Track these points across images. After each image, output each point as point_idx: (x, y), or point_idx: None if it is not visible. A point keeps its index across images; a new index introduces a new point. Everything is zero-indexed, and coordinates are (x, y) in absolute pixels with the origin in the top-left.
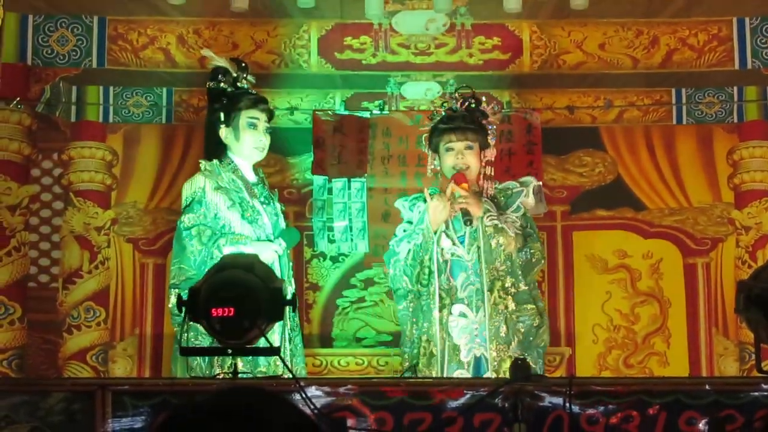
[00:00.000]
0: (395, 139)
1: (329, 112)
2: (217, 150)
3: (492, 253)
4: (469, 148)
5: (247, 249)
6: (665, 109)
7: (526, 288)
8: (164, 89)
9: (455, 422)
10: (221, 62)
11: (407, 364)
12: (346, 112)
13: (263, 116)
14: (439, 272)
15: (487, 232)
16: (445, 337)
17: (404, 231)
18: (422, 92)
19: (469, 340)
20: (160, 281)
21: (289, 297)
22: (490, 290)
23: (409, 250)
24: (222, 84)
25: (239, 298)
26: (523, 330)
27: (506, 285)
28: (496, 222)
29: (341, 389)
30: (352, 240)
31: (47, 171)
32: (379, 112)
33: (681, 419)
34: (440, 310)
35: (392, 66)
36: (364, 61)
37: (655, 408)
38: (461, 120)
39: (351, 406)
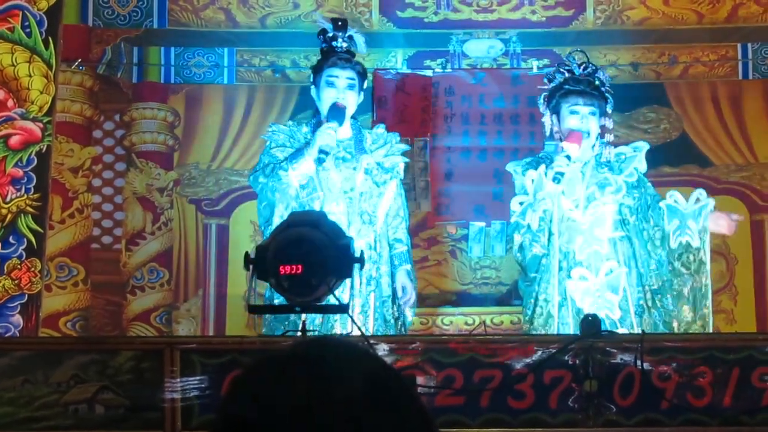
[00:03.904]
0: (458, 97)
1: (391, 71)
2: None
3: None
4: (593, 114)
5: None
6: (731, 65)
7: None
8: (225, 49)
9: (525, 379)
10: (323, 22)
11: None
12: (409, 71)
13: (344, 74)
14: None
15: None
16: (565, 300)
17: (521, 204)
18: (485, 50)
19: (592, 302)
20: (224, 242)
21: (357, 254)
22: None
23: (541, 218)
24: (323, 45)
25: (307, 255)
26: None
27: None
28: None
29: (410, 346)
30: (415, 199)
31: (109, 132)
32: (441, 70)
33: (754, 375)
34: (558, 272)
35: (454, 24)
36: (425, 19)
37: (727, 364)
38: (587, 84)
39: (419, 365)
